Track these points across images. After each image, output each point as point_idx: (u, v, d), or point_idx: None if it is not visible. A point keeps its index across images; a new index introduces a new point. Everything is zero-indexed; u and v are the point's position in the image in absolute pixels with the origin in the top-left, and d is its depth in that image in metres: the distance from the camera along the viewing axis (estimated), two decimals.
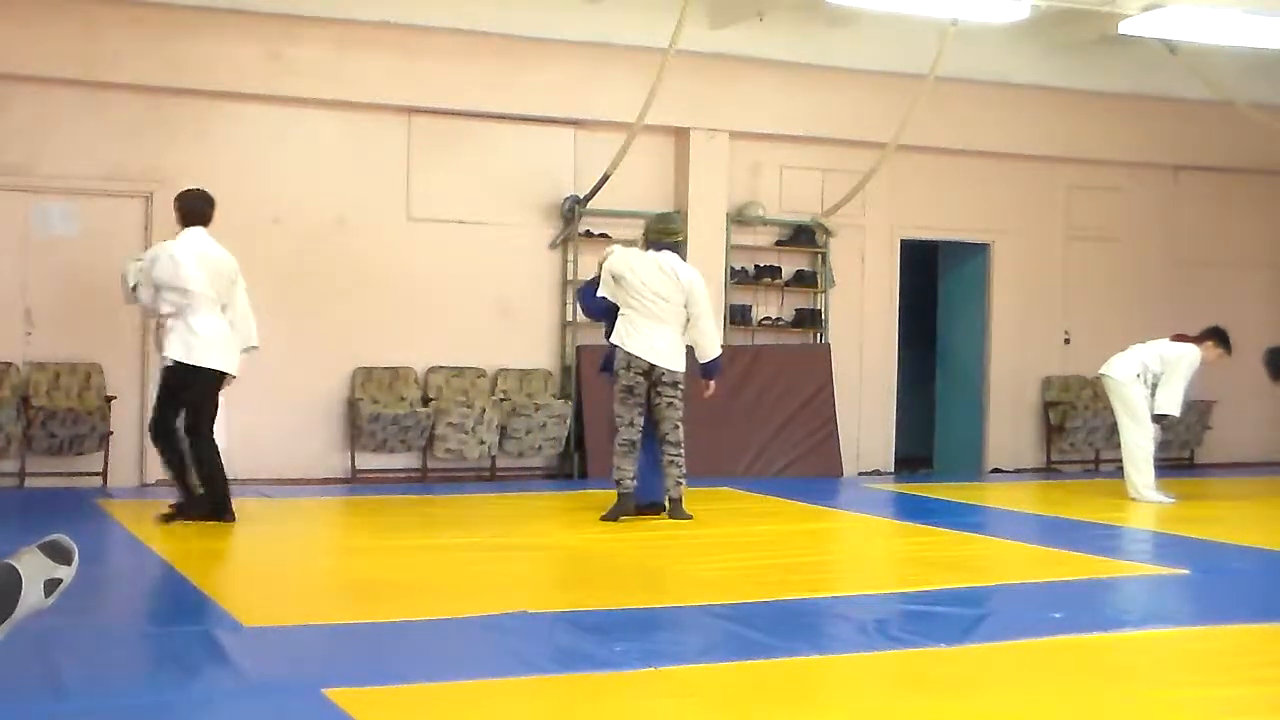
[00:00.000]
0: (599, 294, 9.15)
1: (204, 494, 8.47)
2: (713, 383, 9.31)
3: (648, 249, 9.14)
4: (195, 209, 8.63)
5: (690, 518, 8.96)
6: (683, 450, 9.03)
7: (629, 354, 8.91)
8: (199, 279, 8.41)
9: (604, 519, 8.89)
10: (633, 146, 11.27)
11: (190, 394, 8.47)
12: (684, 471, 9.04)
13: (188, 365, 8.40)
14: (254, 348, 8.87)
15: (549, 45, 11.64)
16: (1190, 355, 10.73)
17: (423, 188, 11.63)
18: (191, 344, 8.39)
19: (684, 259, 9.33)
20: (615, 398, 9.01)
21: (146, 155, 10.76)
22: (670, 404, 9.00)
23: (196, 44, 10.76)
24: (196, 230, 8.58)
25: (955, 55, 11.33)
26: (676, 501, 9.04)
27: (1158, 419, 10.77)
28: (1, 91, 10.44)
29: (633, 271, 8.96)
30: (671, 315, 9.00)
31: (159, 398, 8.60)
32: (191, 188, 8.84)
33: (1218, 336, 10.91)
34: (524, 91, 11.69)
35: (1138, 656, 5.59)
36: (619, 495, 8.94)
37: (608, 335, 9.17)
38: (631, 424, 8.95)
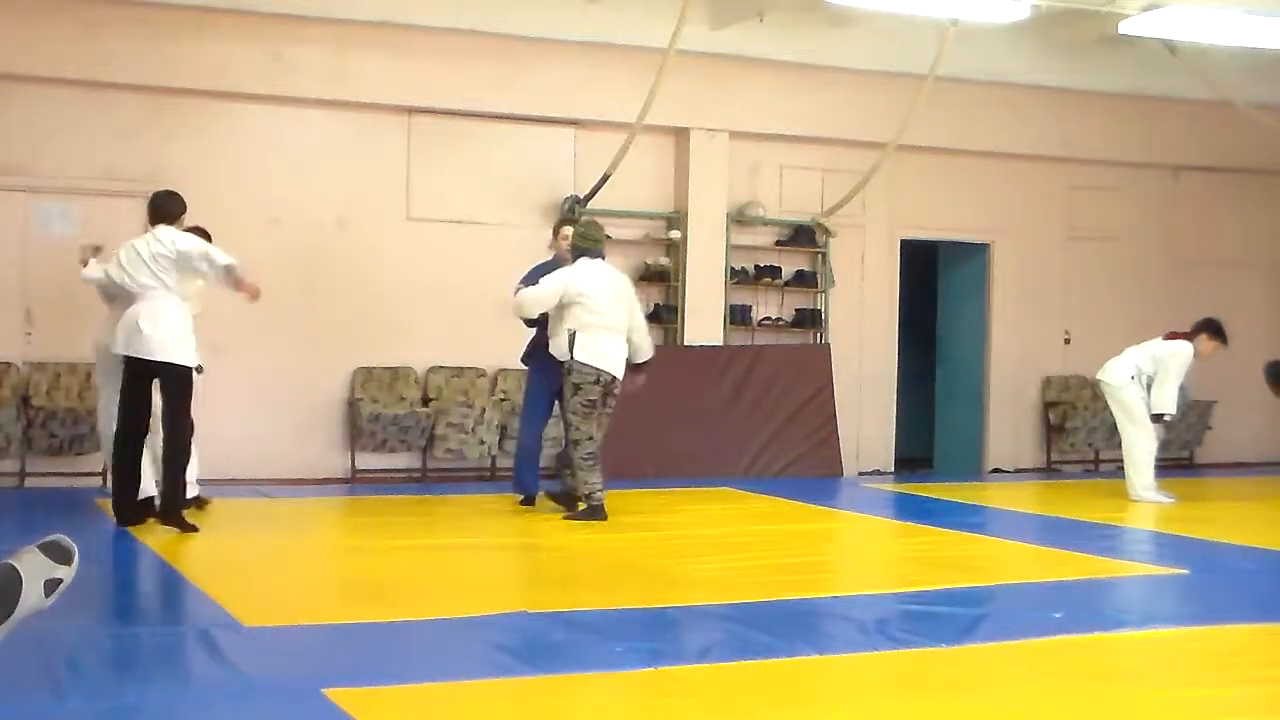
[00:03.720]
0: (533, 310, 9.19)
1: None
2: (643, 377, 9.43)
3: (578, 258, 9.20)
4: (164, 208, 8.57)
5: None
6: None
7: (599, 369, 8.98)
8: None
9: (568, 518, 9.06)
10: (633, 146, 11.26)
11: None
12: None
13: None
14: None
15: (549, 45, 11.64)
16: (1182, 353, 10.73)
17: (422, 188, 11.63)
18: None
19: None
20: (578, 412, 9.02)
21: (146, 155, 10.75)
22: (611, 411, 9.21)
23: (196, 44, 10.76)
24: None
25: (955, 55, 11.32)
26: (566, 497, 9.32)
27: (1155, 419, 10.77)
28: (1, 91, 10.44)
29: (596, 288, 9.04)
30: (623, 324, 9.16)
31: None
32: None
33: (1211, 329, 10.91)
34: (524, 91, 11.69)
35: (1138, 656, 5.60)
36: (590, 507, 9.04)
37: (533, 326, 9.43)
38: (592, 438, 9.06)
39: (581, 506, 9.13)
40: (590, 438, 9.01)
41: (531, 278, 9.35)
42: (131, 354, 8.26)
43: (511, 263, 11.61)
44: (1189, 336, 10.86)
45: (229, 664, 4.97)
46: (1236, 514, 10.62)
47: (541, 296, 9.10)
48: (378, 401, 11.32)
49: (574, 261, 9.18)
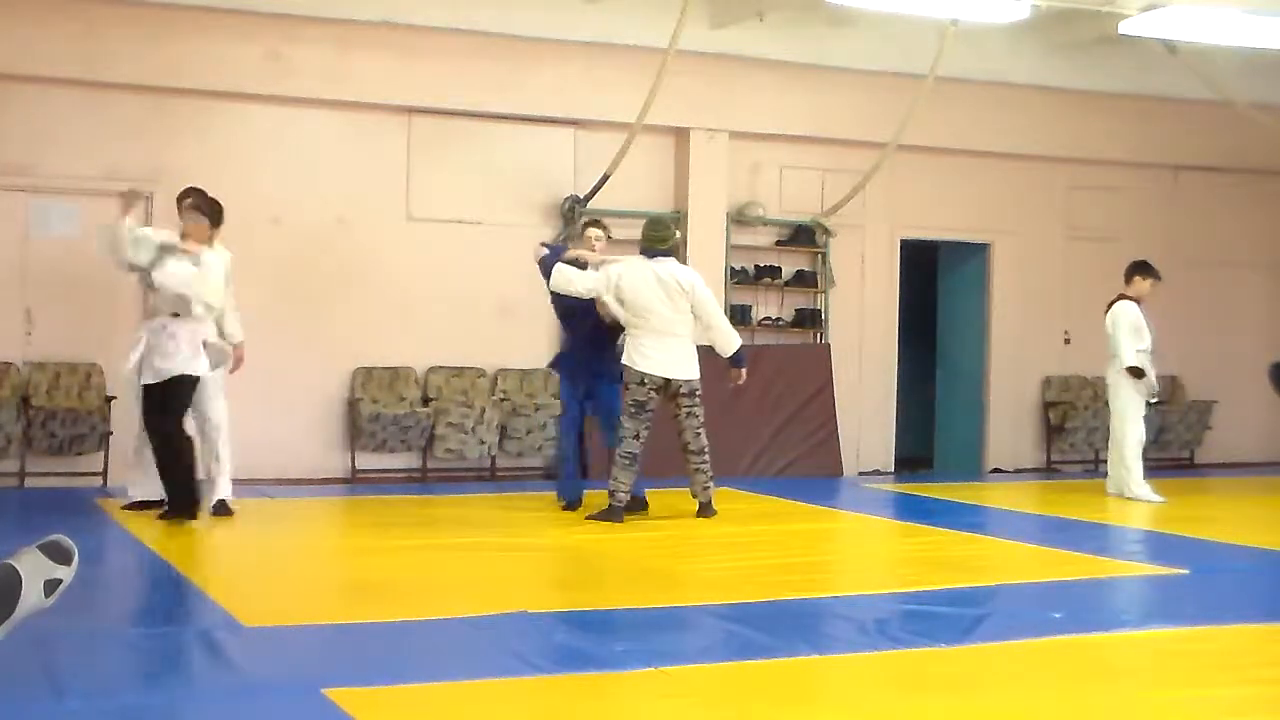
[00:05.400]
0: (559, 284, 9.17)
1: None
2: (743, 371, 9.41)
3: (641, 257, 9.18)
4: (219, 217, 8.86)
5: (715, 513, 9.20)
6: (707, 456, 9.17)
7: (643, 373, 8.97)
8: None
9: (590, 518, 9.02)
10: (633, 146, 11.27)
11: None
12: (711, 476, 9.22)
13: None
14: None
15: (549, 45, 11.64)
16: (1119, 312, 10.86)
17: (422, 188, 11.63)
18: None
19: (684, 260, 9.32)
20: (625, 410, 9.05)
21: (146, 155, 10.75)
22: (689, 413, 9.11)
23: (196, 44, 10.76)
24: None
25: (955, 55, 11.33)
26: (706, 505, 9.22)
27: (1132, 373, 10.74)
28: (1, 91, 10.44)
29: (634, 291, 8.98)
30: (680, 325, 9.07)
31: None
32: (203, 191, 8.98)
33: (1137, 270, 11.05)
34: (524, 91, 11.69)
35: (1138, 656, 5.60)
36: (610, 506, 9.03)
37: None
38: (637, 437, 9.03)
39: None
40: (635, 436, 9.00)
41: (553, 257, 9.34)
42: (152, 382, 8.46)
43: (512, 263, 11.66)
44: (1125, 290, 10.99)
45: (229, 664, 4.98)
46: (1236, 514, 10.63)
47: (575, 281, 9.06)
48: (378, 401, 11.32)
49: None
